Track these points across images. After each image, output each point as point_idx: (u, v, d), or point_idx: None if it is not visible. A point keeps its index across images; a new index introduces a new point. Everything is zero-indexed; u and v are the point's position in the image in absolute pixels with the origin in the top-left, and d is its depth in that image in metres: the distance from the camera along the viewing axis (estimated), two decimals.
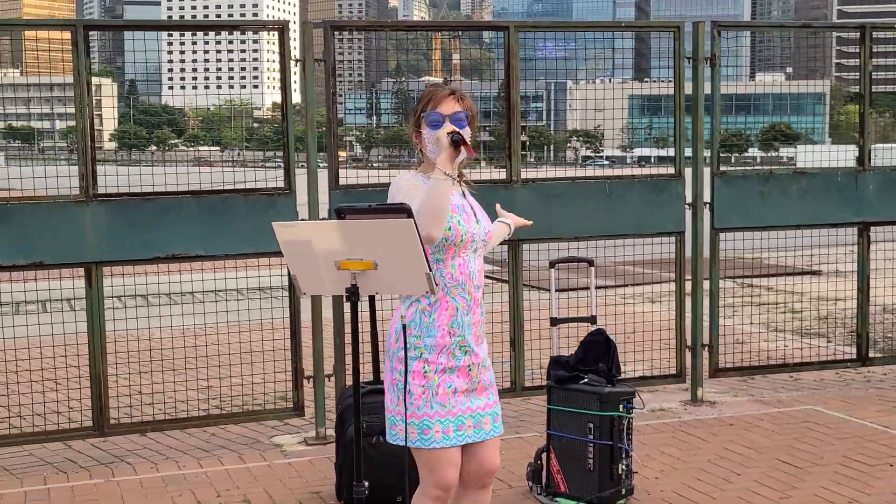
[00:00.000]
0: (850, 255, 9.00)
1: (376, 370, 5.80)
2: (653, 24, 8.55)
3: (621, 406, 5.67)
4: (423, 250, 3.44)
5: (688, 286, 7.94)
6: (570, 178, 7.94)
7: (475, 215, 4.00)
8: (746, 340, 10.05)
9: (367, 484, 3.66)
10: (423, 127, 3.95)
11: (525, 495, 5.92)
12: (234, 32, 7.28)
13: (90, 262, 6.62)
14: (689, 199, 7.86)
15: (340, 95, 7.44)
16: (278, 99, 7.08)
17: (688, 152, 7.87)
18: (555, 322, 6.36)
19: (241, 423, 7.32)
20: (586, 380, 5.80)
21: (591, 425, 5.66)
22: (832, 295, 11.02)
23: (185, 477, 6.40)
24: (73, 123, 6.63)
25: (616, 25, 8.56)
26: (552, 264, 6.51)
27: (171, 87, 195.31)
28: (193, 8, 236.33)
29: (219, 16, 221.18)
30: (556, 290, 6.48)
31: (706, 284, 7.98)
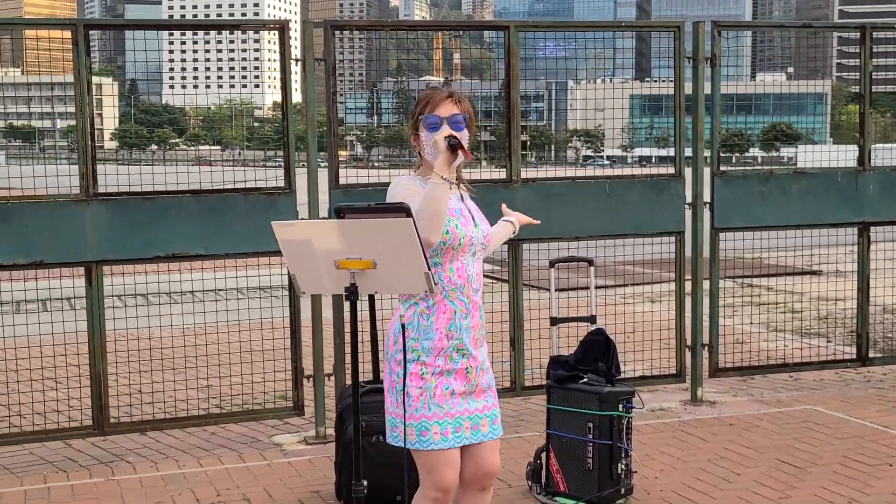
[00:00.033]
0: (850, 255, 9.00)
1: (376, 369, 5.81)
2: (653, 23, 8.56)
3: (621, 406, 5.67)
4: (422, 249, 3.44)
5: (688, 286, 7.95)
6: (570, 178, 7.94)
7: (473, 219, 4.00)
8: (746, 340, 10.05)
9: (365, 483, 3.67)
10: (421, 129, 3.95)
11: (524, 495, 5.92)
12: (235, 32, 7.28)
13: (90, 262, 6.63)
14: (689, 198, 7.86)
15: (341, 95, 7.44)
16: (279, 98, 7.09)
17: (688, 152, 7.87)
18: (554, 322, 6.36)
19: (240, 422, 7.33)
20: (586, 379, 5.80)
21: (591, 425, 5.67)
22: (832, 295, 11.03)
23: (185, 476, 6.40)
24: (73, 122, 6.64)
25: (616, 25, 8.56)
26: (552, 264, 6.51)
27: (171, 87, 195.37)
28: (195, 7, 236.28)
29: (220, 15, 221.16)
30: (555, 290, 6.49)
31: (706, 284, 7.98)
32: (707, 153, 7.97)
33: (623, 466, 5.68)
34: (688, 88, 7.81)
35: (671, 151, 7.94)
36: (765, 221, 8.15)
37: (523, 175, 7.45)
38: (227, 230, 6.81)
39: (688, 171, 7.86)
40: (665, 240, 7.95)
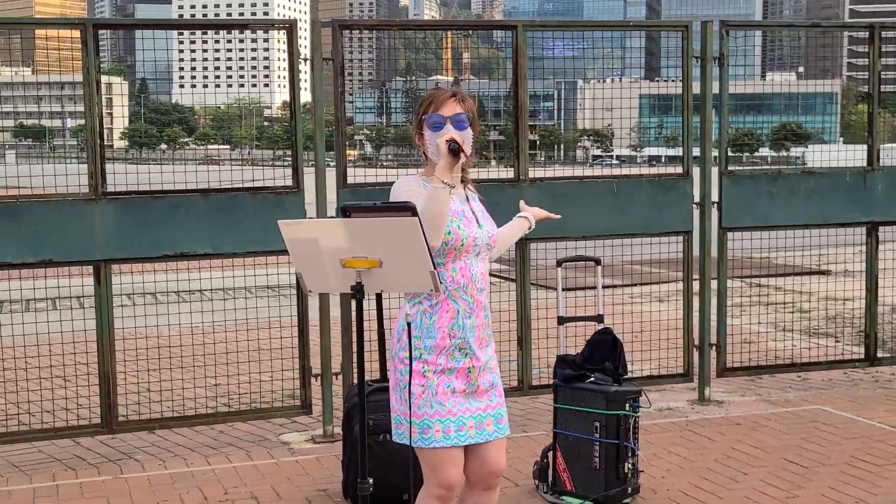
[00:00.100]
0: (859, 255, 8.99)
1: (383, 368, 5.82)
2: (660, 23, 8.57)
3: (627, 405, 5.67)
4: (428, 248, 3.45)
5: (696, 285, 7.95)
6: (578, 178, 7.93)
7: (477, 220, 4.01)
8: (754, 340, 10.04)
9: (371, 481, 3.68)
10: (425, 129, 3.97)
11: (531, 493, 5.93)
12: (244, 31, 7.30)
13: (99, 260, 6.65)
14: (696, 198, 7.86)
15: (350, 94, 7.45)
16: (288, 98, 7.10)
17: (696, 152, 7.87)
18: (562, 321, 6.37)
19: (248, 420, 7.34)
20: (593, 378, 5.80)
21: (598, 424, 5.67)
22: (840, 295, 11.01)
23: (193, 474, 6.42)
24: (83, 122, 6.66)
25: (624, 25, 8.56)
26: (559, 263, 6.52)
27: (181, 86, 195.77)
28: (204, 6, 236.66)
29: (229, 14, 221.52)
30: (563, 289, 6.49)
31: (714, 284, 7.98)
32: (715, 152, 7.96)
33: (630, 466, 5.68)
34: (696, 88, 7.81)
35: (680, 151, 7.94)
36: (773, 221, 8.14)
37: (532, 174, 7.45)
38: (235, 229, 6.83)
39: (696, 171, 7.85)
40: (673, 239, 7.95)
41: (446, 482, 3.91)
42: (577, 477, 5.75)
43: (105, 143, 6.73)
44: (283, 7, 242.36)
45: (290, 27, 6.98)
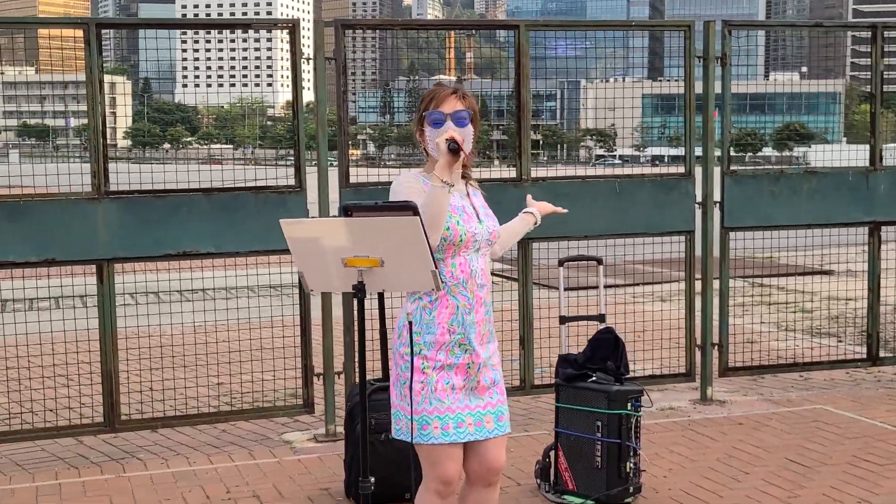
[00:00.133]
0: (862, 255, 8.99)
1: (385, 367, 5.83)
2: (662, 23, 8.57)
3: (629, 404, 5.68)
4: (429, 248, 3.46)
5: (698, 285, 7.95)
6: (580, 177, 7.94)
7: (478, 216, 4.02)
8: (757, 340, 10.05)
9: (373, 479, 3.69)
10: (426, 126, 3.98)
11: (533, 493, 5.94)
12: (247, 31, 7.31)
13: (102, 259, 6.66)
14: (699, 198, 7.86)
15: (353, 94, 7.46)
16: (291, 97, 7.11)
17: (699, 151, 7.87)
18: (563, 320, 6.37)
19: (251, 419, 7.35)
20: (595, 378, 5.81)
21: (599, 423, 5.67)
22: (843, 294, 11.00)
23: (196, 473, 6.43)
24: (87, 121, 6.67)
25: (626, 24, 8.56)
26: (561, 263, 6.52)
27: (184, 85, 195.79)
28: (207, 6, 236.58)
29: (233, 14, 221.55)
30: (564, 289, 6.50)
31: (716, 284, 7.98)
32: (717, 152, 7.97)
33: (631, 465, 5.69)
34: (698, 88, 7.81)
35: (683, 151, 7.95)
36: (775, 221, 8.14)
37: (534, 174, 7.46)
38: (237, 228, 6.84)
39: (698, 171, 7.86)
40: (675, 239, 7.95)
41: (445, 477, 3.92)
42: (579, 476, 5.75)
43: (108, 142, 6.74)
44: (287, 7, 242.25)
45: (292, 27, 6.99)
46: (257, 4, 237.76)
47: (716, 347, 8.03)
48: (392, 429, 4.04)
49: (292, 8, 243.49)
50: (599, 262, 6.52)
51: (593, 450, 5.69)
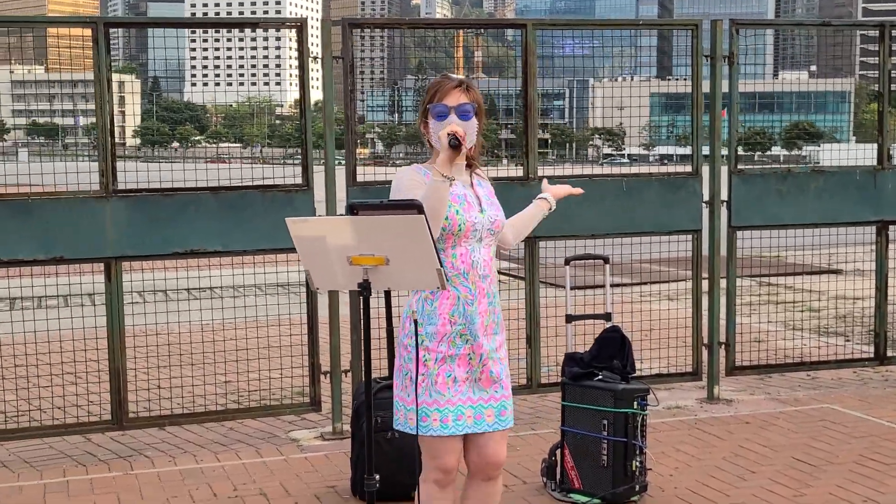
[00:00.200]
0: (870, 254, 8.98)
1: (391, 366, 5.83)
2: (669, 22, 8.56)
3: (635, 403, 5.68)
4: (434, 246, 3.47)
5: (705, 284, 7.95)
6: (588, 176, 7.94)
7: (480, 205, 4.01)
8: (764, 339, 10.04)
9: (377, 477, 3.70)
10: (430, 118, 3.98)
11: (539, 491, 5.94)
12: (256, 30, 7.33)
13: (110, 257, 6.69)
14: (706, 196, 7.86)
15: (361, 93, 7.48)
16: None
17: (706, 150, 7.87)
18: (570, 319, 6.38)
19: (258, 417, 7.37)
20: (601, 376, 5.81)
21: (606, 422, 5.68)
22: (850, 294, 10.99)
23: (203, 471, 6.45)
24: (95, 120, 6.69)
25: (633, 24, 8.57)
26: (567, 261, 6.53)
27: (193, 84, 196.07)
28: (217, 5, 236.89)
29: (241, 13, 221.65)
30: (571, 288, 6.50)
31: (723, 283, 7.98)
32: (725, 151, 7.96)
33: (637, 463, 5.69)
34: (706, 87, 7.81)
35: (691, 150, 7.94)
36: (782, 220, 8.14)
37: (541, 173, 7.46)
38: (245, 227, 6.86)
39: (705, 170, 7.86)
40: (682, 238, 7.95)
41: (443, 466, 3.96)
42: (585, 474, 5.76)
43: (117, 141, 6.76)
44: (296, 6, 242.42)
45: (300, 26, 7.00)
46: (266, 3, 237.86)
47: (723, 346, 8.02)
48: (394, 420, 4.06)
49: (301, 7, 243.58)
50: (606, 260, 6.53)
51: (599, 448, 5.70)
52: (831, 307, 11.87)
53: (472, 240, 3.95)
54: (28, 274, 7.55)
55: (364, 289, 3.54)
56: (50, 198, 6.62)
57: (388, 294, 3.69)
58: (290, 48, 7.97)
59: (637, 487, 5.72)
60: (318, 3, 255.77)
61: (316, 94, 7.78)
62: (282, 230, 3.66)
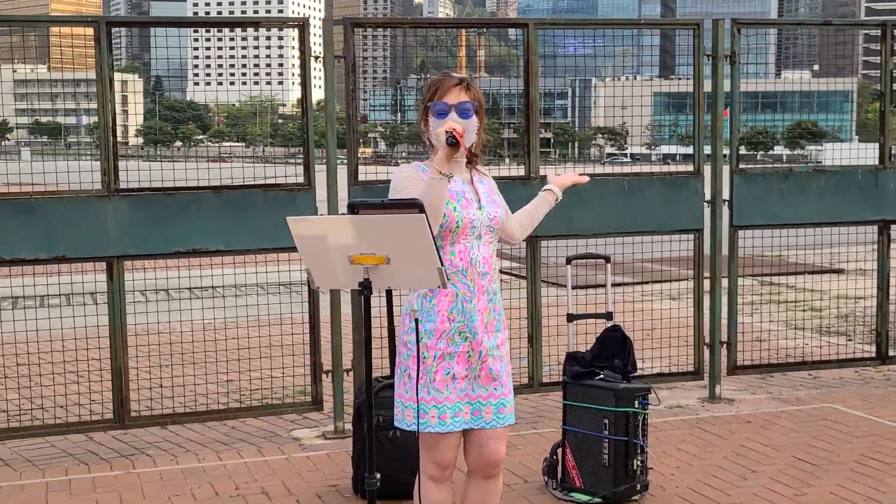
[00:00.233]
0: (871, 254, 8.98)
1: (393, 365, 5.84)
2: (671, 21, 8.56)
3: (636, 402, 5.68)
4: (435, 245, 3.47)
5: (707, 283, 7.95)
6: (590, 175, 7.93)
7: (479, 202, 4.01)
8: (766, 338, 10.04)
9: (378, 476, 3.70)
10: (430, 116, 3.98)
11: (540, 490, 5.95)
12: (258, 29, 7.34)
13: (112, 256, 6.70)
14: (707, 196, 7.87)
15: (364, 92, 7.48)
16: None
17: (708, 150, 7.88)
18: (571, 318, 6.38)
19: (260, 416, 7.38)
20: (602, 376, 5.82)
21: (607, 421, 5.68)
22: (852, 293, 10.99)
23: (205, 469, 6.46)
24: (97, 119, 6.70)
25: (634, 23, 8.57)
26: (569, 261, 6.53)
27: (196, 83, 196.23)
28: (219, 4, 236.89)
29: (244, 12, 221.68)
30: (572, 287, 6.51)
31: (725, 282, 7.98)
32: (726, 150, 7.97)
33: (638, 463, 5.70)
34: (707, 86, 7.81)
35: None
36: (784, 219, 8.14)
37: (543, 172, 7.47)
38: (247, 226, 6.87)
39: (707, 169, 7.86)
40: (683, 237, 7.96)
41: (440, 461, 3.98)
42: (586, 474, 5.76)
43: (120, 140, 6.76)
44: (299, 5, 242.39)
45: (301, 25, 7.01)
46: (269, 2, 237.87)
47: (724, 345, 8.03)
48: (394, 417, 4.07)
49: (303, 6, 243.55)
50: (607, 260, 6.53)
51: (601, 447, 5.70)
52: (833, 307, 11.87)
53: (471, 237, 3.95)
54: (30, 273, 7.57)
55: (365, 288, 3.54)
56: (52, 197, 6.63)
57: (389, 293, 3.70)
58: (292, 47, 7.98)
59: (638, 486, 5.73)
60: (320, 2, 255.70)
61: (318, 94, 7.79)
62: (284, 229, 3.67)
